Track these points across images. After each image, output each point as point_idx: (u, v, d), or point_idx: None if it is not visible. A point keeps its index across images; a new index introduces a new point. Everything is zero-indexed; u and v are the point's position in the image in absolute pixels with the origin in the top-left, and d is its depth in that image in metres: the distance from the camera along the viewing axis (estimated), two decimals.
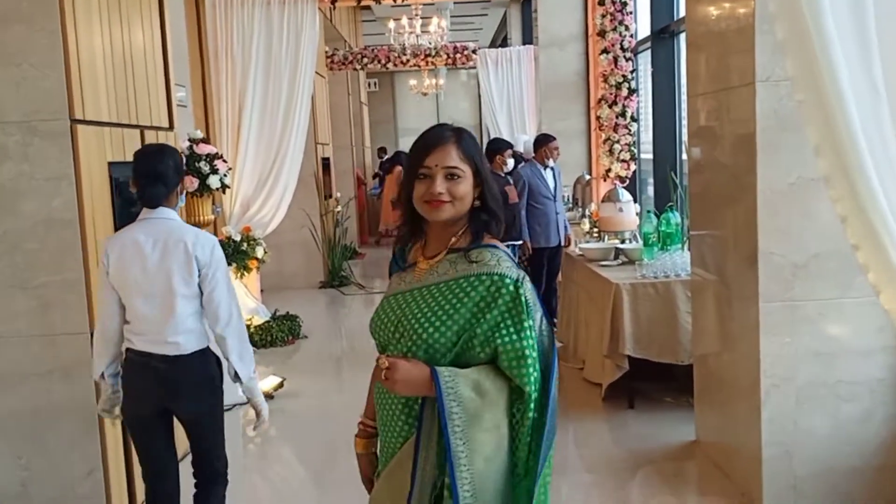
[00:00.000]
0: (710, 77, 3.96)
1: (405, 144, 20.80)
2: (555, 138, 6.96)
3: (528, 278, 1.85)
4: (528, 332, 1.77)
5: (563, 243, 6.92)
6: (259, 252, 6.91)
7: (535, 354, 1.77)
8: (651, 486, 4.13)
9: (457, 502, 1.72)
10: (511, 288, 1.79)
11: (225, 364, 3.11)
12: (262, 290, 8.27)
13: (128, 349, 3.02)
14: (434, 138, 1.88)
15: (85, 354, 3.56)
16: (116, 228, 3.85)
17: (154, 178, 3.00)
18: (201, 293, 3.00)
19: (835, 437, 3.54)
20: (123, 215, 3.95)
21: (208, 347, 3.08)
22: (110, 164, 3.84)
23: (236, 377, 3.08)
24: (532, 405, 1.77)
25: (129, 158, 4.01)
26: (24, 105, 3.48)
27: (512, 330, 1.77)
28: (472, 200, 1.88)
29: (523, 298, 1.79)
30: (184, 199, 3.26)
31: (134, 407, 3.05)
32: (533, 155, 7.10)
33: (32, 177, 3.50)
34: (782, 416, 3.54)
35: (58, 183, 3.51)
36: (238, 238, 6.92)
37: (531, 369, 1.76)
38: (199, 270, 2.97)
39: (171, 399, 3.01)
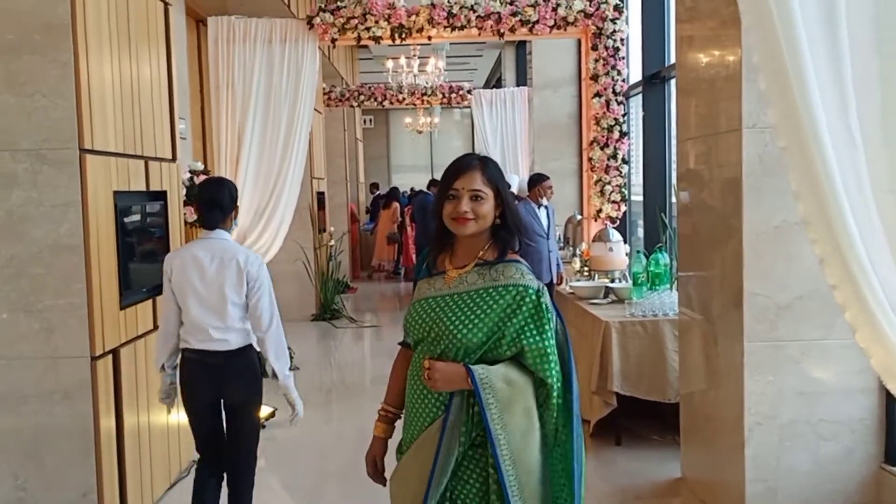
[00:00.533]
0: (699, 122, 4.10)
1: (398, 180, 21.00)
2: (548, 178, 7.10)
3: (545, 288, 2.21)
4: (548, 334, 2.14)
5: (554, 281, 7.03)
6: None
7: (555, 352, 2.14)
8: None
9: (500, 474, 2.07)
10: (533, 297, 2.15)
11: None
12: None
13: (184, 349, 3.60)
14: (462, 164, 2.24)
15: (85, 377, 3.64)
16: (119, 255, 3.96)
17: (213, 204, 3.59)
18: (247, 302, 3.54)
19: (816, 474, 3.63)
20: (126, 243, 4.06)
21: (251, 344, 3.63)
22: (115, 192, 3.94)
23: (273, 375, 3.61)
24: (555, 392, 2.15)
25: (134, 188, 4.16)
26: (35, 133, 3.59)
27: (535, 332, 2.13)
28: (494, 219, 2.22)
29: (544, 305, 2.16)
30: (237, 224, 3.69)
31: (192, 397, 3.64)
32: (527, 194, 7.24)
33: (41, 203, 3.60)
34: (766, 453, 3.63)
35: (65, 210, 3.60)
36: None
37: (552, 364, 2.13)
38: (248, 283, 3.53)
39: (223, 387, 3.59)
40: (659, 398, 5.06)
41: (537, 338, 2.12)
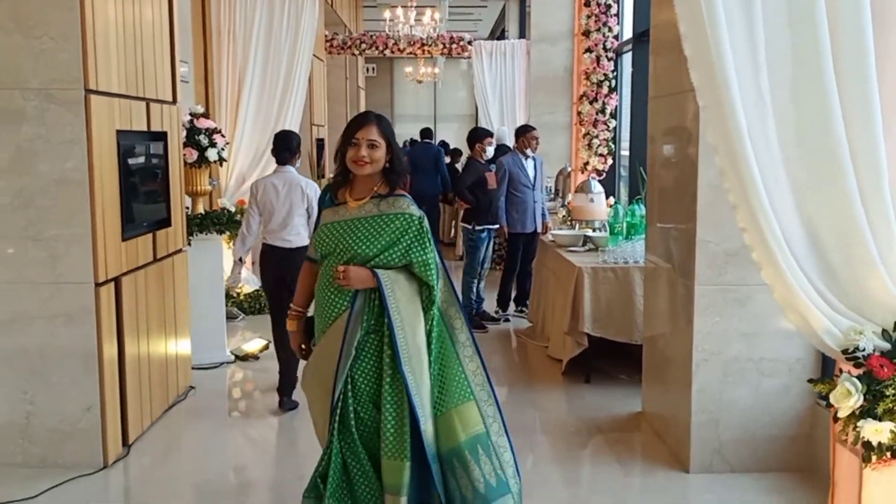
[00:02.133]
0: (666, 81, 4.35)
1: (402, 131, 21.14)
2: (534, 128, 7.34)
3: (426, 217, 2.94)
4: (429, 249, 2.88)
5: (539, 230, 7.32)
6: None
7: (435, 261, 2.90)
8: (597, 448, 4.55)
9: (395, 344, 2.80)
10: (417, 223, 2.89)
11: None
12: (252, 262, 8.66)
13: (264, 244, 5.14)
14: (362, 119, 2.97)
15: (88, 302, 3.96)
16: (122, 191, 4.25)
17: (284, 147, 5.19)
18: (308, 215, 5.06)
19: (756, 407, 3.96)
20: (128, 181, 4.35)
21: (307, 245, 4.52)
22: (118, 132, 4.22)
23: None
24: (436, 292, 2.91)
25: (136, 128, 4.44)
26: (43, 74, 3.85)
27: (419, 249, 2.88)
28: (385, 163, 2.92)
29: (425, 229, 2.89)
30: (299, 163, 5.33)
31: (267, 276, 5.14)
32: (515, 144, 7.49)
33: (48, 140, 3.88)
34: (710, 387, 3.96)
35: (71, 146, 3.88)
36: (233, 210, 7.28)
37: (433, 270, 2.89)
38: (307, 201, 5.07)
39: (286, 271, 4.87)
40: (627, 339, 5.39)
41: (420, 253, 2.86)
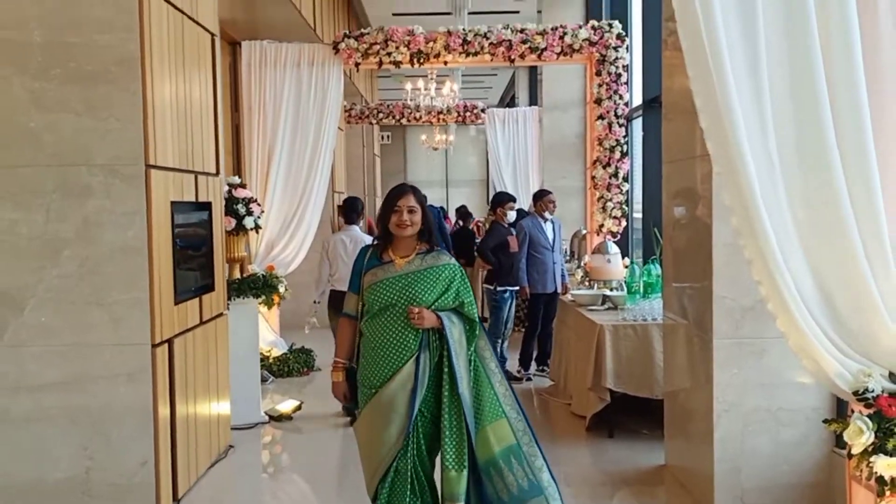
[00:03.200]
0: (679, 146, 4.68)
1: None
2: (550, 192, 7.68)
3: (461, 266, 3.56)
4: (470, 291, 3.48)
5: (559, 290, 7.60)
6: (281, 289, 7.58)
7: (474, 301, 3.49)
8: (623, 500, 4.74)
9: (454, 372, 3.30)
10: (459, 270, 3.47)
11: None
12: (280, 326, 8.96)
13: (332, 290, 6.45)
14: (401, 189, 3.48)
15: (146, 362, 4.24)
16: (174, 257, 4.56)
17: (351, 210, 6.71)
18: None
19: (775, 456, 4.17)
20: (179, 247, 4.67)
21: None
22: (172, 203, 4.56)
23: None
24: (478, 324, 3.46)
25: (186, 198, 4.78)
26: (108, 151, 4.21)
27: (466, 291, 3.46)
28: (420, 226, 3.43)
29: (465, 274, 3.51)
30: (363, 222, 6.37)
31: (333, 315, 6.31)
32: (533, 208, 7.83)
33: (112, 211, 4.21)
34: (731, 437, 4.18)
35: (132, 217, 4.21)
36: (262, 275, 7.60)
37: (475, 309, 3.46)
38: None
39: None
40: (647, 394, 5.61)
41: (467, 294, 3.44)
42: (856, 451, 2.60)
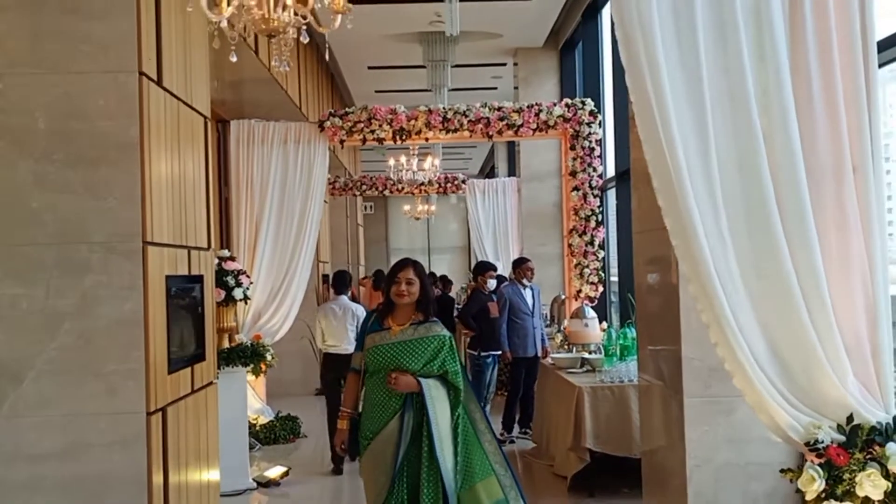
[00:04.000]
0: (644, 217, 4.95)
1: None
2: (529, 260, 7.99)
3: (452, 336, 4.01)
4: (457, 360, 3.90)
5: (539, 355, 7.81)
6: (268, 357, 7.75)
7: (459, 370, 3.92)
8: None
9: (431, 435, 3.73)
10: (448, 341, 3.89)
11: None
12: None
13: (325, 353, 7.20)
14: (402, 263, 3.99)
15: (141, 429, 4.39)
16: (169, 329, 4.76)
17: (341, 283, 7.49)
18: (356, 329, 6.81)
19: None
20: (173, 319, 4.86)
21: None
22: (167, 277, 4.77)
23: None
24: (462, 392, 3.86)
25: (180, 272, 5.00)
26: (107, 229, 4.42)
27: (451, 360, 3.87)
28: (418, 297, 3.90)
29: (454, 345, 3.94)
30: (349, 292, 7.71)
31: (328, 375, 7.15)
32: (512, 275, 8.10)
33: (109, 286, 4.40)
34: (704, 491, 4.35)
35: (130, 292, 4.41)
36: (250, 344, 7.77)
37: (461, 377, 3.87)
38: (356, 320, 6.98)
39: (341, 371, 6.10)
40: (626, 453, 5.79)
41: (452, 364, 3.85)
42: (809, 497, 2.81)
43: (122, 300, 4.42)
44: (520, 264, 7.94)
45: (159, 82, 4.72)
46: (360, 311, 7.09)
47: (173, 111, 5.02)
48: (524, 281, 7.82)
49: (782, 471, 3.06)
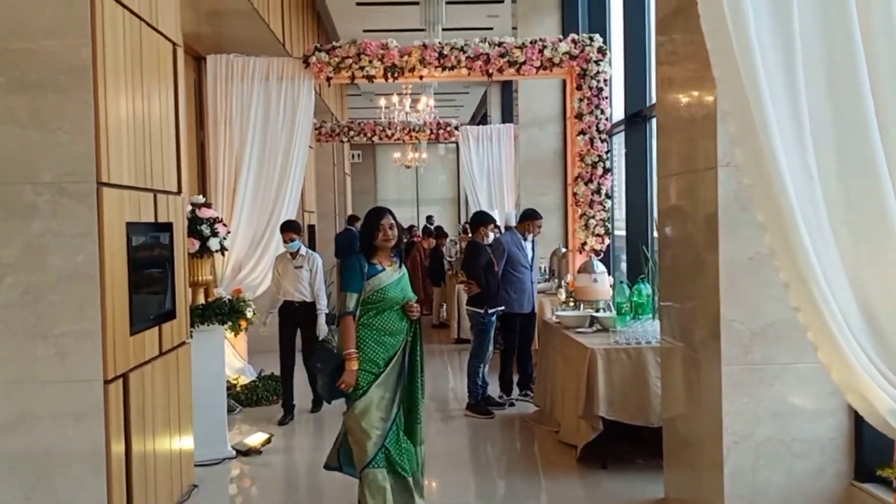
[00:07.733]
0: (678, 160, 4.38)
1: None
2: (541, 217, 7.35)
3: None
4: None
5: (535, 311, 7.26)
6: (249, 313, 7.16)
7: None
8: None
9: (418, 354, 4.49)
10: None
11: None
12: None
13: (284, 300, 7.03)
14: (381, 211, 4.47)
15: (98, 400, 3.82)
16: (130, 284, 4.16)
17: (290, 228, 7.00)
18: (311, 277, 6.97)
19: (790, 490, 3.84)
20: (136, 272, 4.26)
21: (314, 301, 7.01)
22: (128, 224, 4.15)
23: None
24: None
25: (144, 219, 4.38)
26: (56, 167, 3.80)
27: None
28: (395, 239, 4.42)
29: None
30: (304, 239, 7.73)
31: (284, 324, 7.08)
32: (515, 225, 7.50)
33: (59, 234, 3.80)
34: (743, 470, 3.85)
35: (82, 240, 3.81)
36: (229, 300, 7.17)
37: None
38: (311, 269, 6.97)
39: (298, 321, 7.04)
40: (642, 422, 5.27)
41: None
42: None
43: (74, 250, 3.82)
44: (530, 217, 7.25)
45: None
46: (318, 260, 7.05)
47: (135, 32, 4.35)
48: (527, 234, 7.23)
49: (880, 467, 2.50)
